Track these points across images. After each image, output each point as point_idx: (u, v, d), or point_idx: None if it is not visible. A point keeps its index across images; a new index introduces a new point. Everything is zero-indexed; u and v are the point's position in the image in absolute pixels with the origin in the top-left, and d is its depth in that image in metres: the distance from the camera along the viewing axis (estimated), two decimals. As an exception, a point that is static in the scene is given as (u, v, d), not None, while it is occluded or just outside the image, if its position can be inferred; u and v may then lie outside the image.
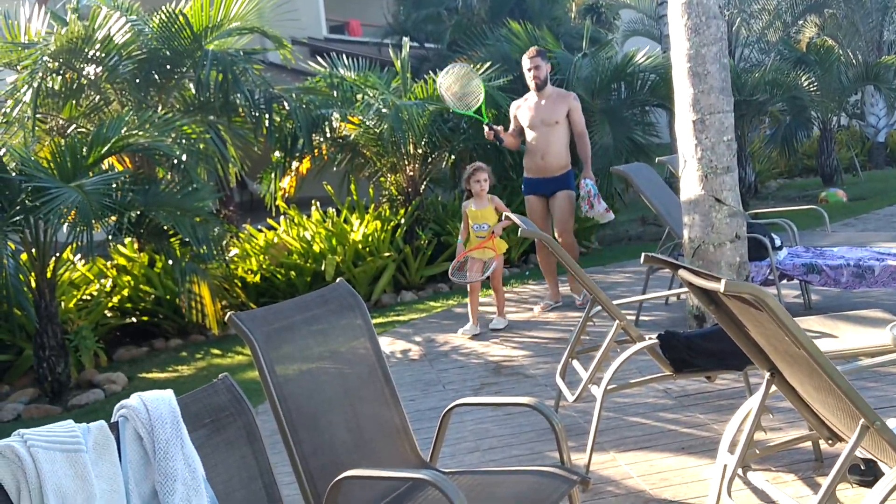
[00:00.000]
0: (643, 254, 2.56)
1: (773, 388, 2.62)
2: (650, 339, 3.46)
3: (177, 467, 1.52)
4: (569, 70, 8.80)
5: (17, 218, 5.27)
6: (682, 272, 2.49)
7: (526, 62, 6.18)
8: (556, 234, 6.21)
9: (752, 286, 2.15)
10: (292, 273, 7.30)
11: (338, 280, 2.92)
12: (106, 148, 5.54)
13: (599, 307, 3.83)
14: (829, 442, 2.71)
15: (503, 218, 5.88)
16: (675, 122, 4.98)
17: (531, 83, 6.13)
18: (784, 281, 5.26)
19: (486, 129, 6.14)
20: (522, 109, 6.25)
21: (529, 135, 6.21)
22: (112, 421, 1.57)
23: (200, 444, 1.60)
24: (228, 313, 2.34)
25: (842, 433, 2.55)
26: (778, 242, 5.25)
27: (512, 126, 6.38)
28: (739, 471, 2.73)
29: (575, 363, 3.90)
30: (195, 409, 1.65)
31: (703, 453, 3.58)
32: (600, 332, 4.21)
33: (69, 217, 5.25)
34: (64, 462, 1.41)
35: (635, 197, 10.21)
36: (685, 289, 5.44)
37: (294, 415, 2.34)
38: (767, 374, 2.62)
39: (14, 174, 5.29)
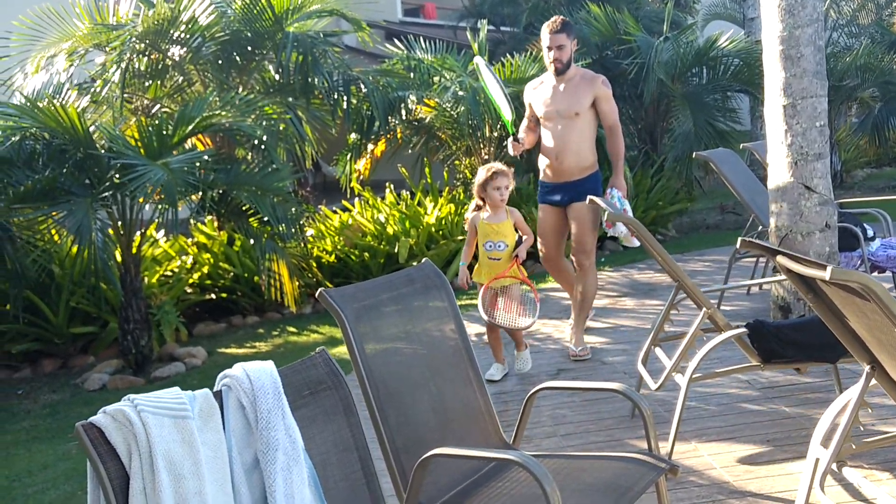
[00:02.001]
0: (740, 238, 2.48)
1: (873, 381, 2.52)
2: (738, 328, 3.37)
3: (278, 437, 1.53)
4: (649, 54, 8.63)
5: (106, 194, 5.42)
6: (780, 258, 2.40)
7: (546, 37, 4.82)
8: (571, 255, 5.00)
9: (859, 274, 2.06)
10: (366, 254, 7.35)
11: (423, 260, 2.92)
12: (190, 127, 5.65)
13: (684, 294, 3.75)
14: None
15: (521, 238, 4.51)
16: (764, 107, 4.83)
17: (550, 66, 4.87)
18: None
19: (511, 142, 4.93)
20: (537, 95, 4.97)
21: (544, 129, 4.94)
22: (215, 390, 1.60)
23: (299, 415, 1.62)
24: (319, 289, 2.36)
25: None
26: (870, 233, 5.06)
27: (527, 115, 5.09)
28: (833, 465, 2.65)
29: (657, 351, 3.83)
30: (294, 381, 1.66)
31: (789, 447, 3.48)
32: (680, 320, 4.12)
33: (155, 195, 5.38)
34: (172, 428, 1.44)
35: (715, 185, 10.01)
36: (769, 279, 5.30)
37: (381, 391, 2.34)
38: (867, 367, 2.52)
39: (103, 151, 5.44)
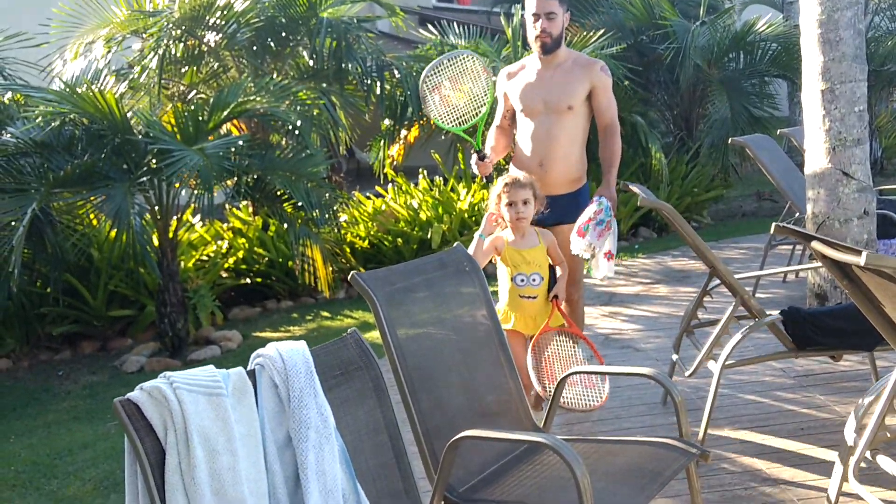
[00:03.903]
0: (774, 224, 2.46)
1: (910, 369, 2.49)
2: (772, 315, 3.34)
3: (310, 416, 1.56)
4: (685, 39, 8.52)
5: (143, 179, 5.50)
6: (815, 244, 2.38)
7: (531, 2, 3.76)
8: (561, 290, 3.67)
9: (895, 260, 2.03)
10: (399, 240, 7.38)
11: (455, 244, 2.93)
12: (226, 113, 5.71)
13: (717, 281, 3.72)
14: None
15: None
16: (802, 92, 4.76)
17: (535, 43, 3.78)
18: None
19: (475, 159, 3.86)
20: (516, 83, 3.90)
21: (525, 125, 3.86)
22: (248, 369, 1.63)
23: (330, 395, 1.64)
24: (351, 272, 2.38)
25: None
26: (910, 220, 4.97)
27: (502, 110, 4.00)
28: (867, 454, 2.62)
29: (690, 338, 3.81)
30: (326, 362, 1.68)
31: (823, 435, 3.45)
32: (714, 307, 4.09)
33: (191, 180, 5.45)
34: (206, 405, 1.47)
35: (750, 172, 9.87)
36: (805, 265, 5.23)
37: (412, 374, 2.36)
38: (904, 355, 2.48)
39: (140, 137, 5.51)
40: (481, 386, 2.62)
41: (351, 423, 1.68)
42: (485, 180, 4.03)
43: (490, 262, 3.53)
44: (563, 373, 3.12)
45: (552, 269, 3.50)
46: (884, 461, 2.69)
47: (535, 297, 3.41)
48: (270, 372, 1.59)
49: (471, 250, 3.27)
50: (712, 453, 3.34)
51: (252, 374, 1.61)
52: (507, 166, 4.06)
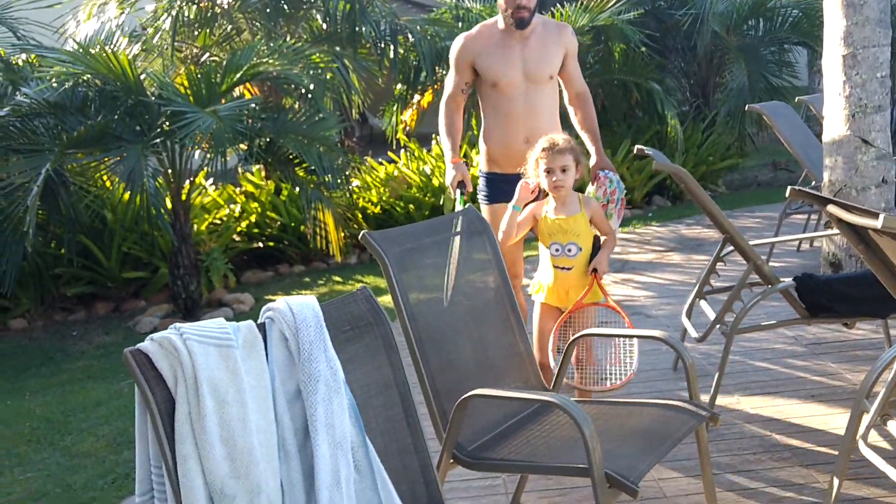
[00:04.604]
0: (790, 187, 2.43)
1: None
2: (785, 281, 3.32)
3: (320, 369, 1.56)
4: (704, 5, 8.39)
5: (156, 141, 5.50)
6: (830, 207, 2.35)
7: None
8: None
9: (914, 222, 2.00)
10: (411, 206, 7.37)
11: (467, 205, 2.91)
12: (238, 75, 5.68)
13: (731, 248, 3.69)
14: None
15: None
16: (823, 58, 4.69)
17: (509, 16, 3.45)
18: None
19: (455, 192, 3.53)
20: (488, 55, 3.53)
21: (500, 100, 3.56)
22: (258, 322, 1.63)
23: (340, 350, 1.64)
24: (362, 232, 2.37)
25: None
26: (929, 189, 4.91)
27: (456, 81, 3.65)
28: (878, 419, 2.61)
29: (702, 304, 3.79)
30: (336, 317, 1.68)
31: (834, 402, 3.44)
32: (727, 275, 4.07)
33: (204, 142, 5.44)
34: (217, 356, 1.47)
35: (767, 141, 9.77)
36: (820, 233, 5.19)
37: (422, 334, 2.36)
38: (918, 321, 2.46)
39: (153, 98, 5.50)
40: (491, 347, 2.62)
41: (360, 378, 1.68)
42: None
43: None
44: (588, 356, 3.10)
45: (596, 241, 3.17)
46: (894, 427, 2.68)
47: (570, 269, 3.10)
48: (280, 325, 1.59)
49: (503, 225, 3.14)
50: (722, 419, 3.34)
51: (262, 328, 1.61)
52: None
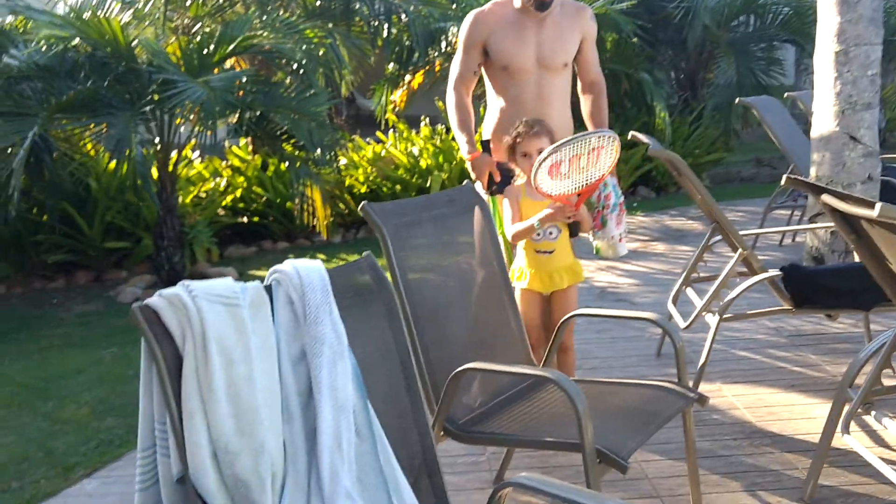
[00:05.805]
0: (785, 175, 2.46)
1: (910, 326, 2.52)
2: (772, 272, 3.36)
3: (325, 332, 1.57)
4: (696, -2, 8.44)
5: (146, 109, 5.44)
6: (825, 196, 2.38)
7: None
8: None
9: (908, 213, 2.04)
10: (398, 186, 7.37)
11: (464, 182, 2.92)
12: (231, 47, 5.63)
13: (719, 237, 3.74)
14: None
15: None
16: (815, 54, 4.73)
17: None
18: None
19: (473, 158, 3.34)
20: (500, 35, 3.27)
21: (508, 85, 3.32)
22: (265, 284, 1.63)
23: (344, 316, 1.65)
24: (362, 203, 2.38)
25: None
26: (912, 189, 4.98)
27: (466, 62, 3.36)
28: (858, 409, 2.66)
29: (688, 291, 3.84)
30: (339, 283, 1.69)
31: (813, 392, 3.50)
32: (714, 265, 4.12)
33: (194, 113, 5.40)
34: (224, 314, 1.47)
35: (753, 137, 9.85)
36: (805, 226, 5.25)
37: (417, 308, 2.37)
38: (905, 312, 2.51)
39: (144, 66, 5.45)
40: (484, 325, 2.64)
41: (362, 343, 1.69)
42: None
43: None
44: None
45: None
46: (874, 417, 2.74)
47: (551, 252, 3.01)
48: (287, 287, 1.60)
49: (514, 226, 2.99)
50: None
51: (269, 289, 1.61)
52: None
